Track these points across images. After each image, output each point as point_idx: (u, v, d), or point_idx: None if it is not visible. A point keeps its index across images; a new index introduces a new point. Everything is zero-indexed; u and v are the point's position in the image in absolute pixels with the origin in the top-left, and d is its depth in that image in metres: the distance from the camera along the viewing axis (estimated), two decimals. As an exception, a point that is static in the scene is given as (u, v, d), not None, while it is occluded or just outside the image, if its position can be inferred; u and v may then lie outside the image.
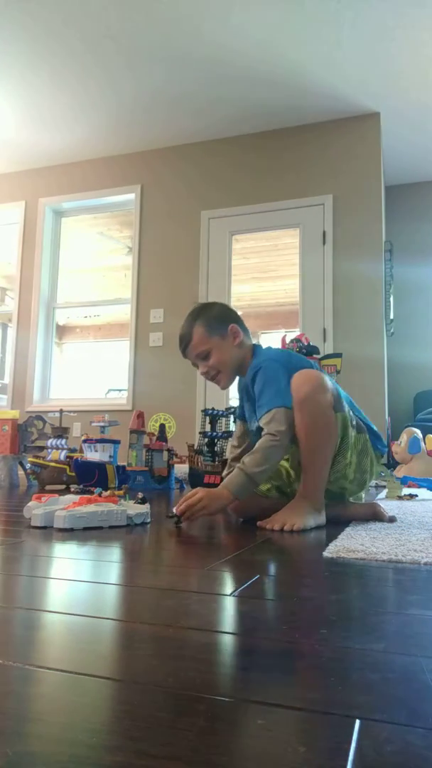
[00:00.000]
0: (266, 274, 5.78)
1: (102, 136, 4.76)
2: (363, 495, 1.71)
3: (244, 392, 1.68)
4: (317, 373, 1.50)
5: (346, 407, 1.52)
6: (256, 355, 1.64)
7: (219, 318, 1.63)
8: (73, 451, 3.06)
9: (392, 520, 1.53)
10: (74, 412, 4.38)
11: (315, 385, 1.44)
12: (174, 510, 1.39)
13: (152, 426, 3.23)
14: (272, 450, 1.43)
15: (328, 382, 1.49)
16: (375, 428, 1.61)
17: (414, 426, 3.93)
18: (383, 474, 2.58)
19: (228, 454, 2.04)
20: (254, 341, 1.73)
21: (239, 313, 1.73)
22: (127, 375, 4.74)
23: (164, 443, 3.08)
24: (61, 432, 3.10)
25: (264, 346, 1.69)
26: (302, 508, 1.41)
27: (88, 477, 2.64)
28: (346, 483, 1.56)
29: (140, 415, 3.12)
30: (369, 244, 4.28)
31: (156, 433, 3.17)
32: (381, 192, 4.39)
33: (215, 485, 1.75)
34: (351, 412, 1.54)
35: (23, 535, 1.22)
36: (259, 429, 1.52)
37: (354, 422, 1.54)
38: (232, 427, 2.80)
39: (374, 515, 1.54)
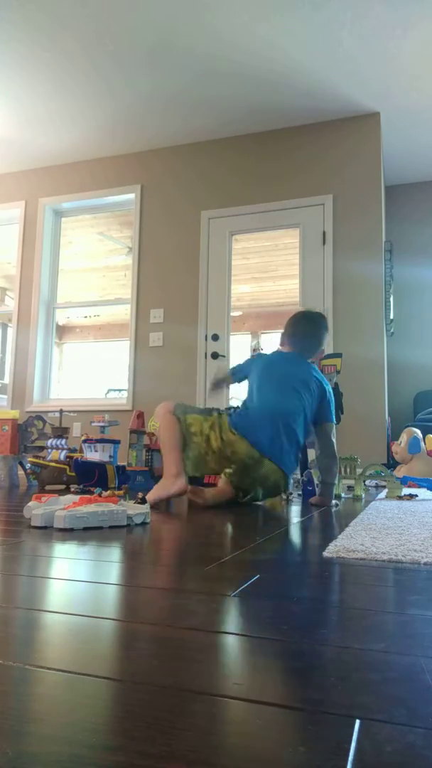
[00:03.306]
0: (266, 274, 5.78)
1: (102, 136, 4.77)
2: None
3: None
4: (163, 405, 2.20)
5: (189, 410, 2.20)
6: None
7: None
8: (73, 451, 3.06)
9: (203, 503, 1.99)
10: (74, 412, 4.38)
11: (160, 410, 2.17)
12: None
13: (152, 426, 3.23)
14: None
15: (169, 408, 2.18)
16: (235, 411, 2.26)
17: (414, 426, 3.93)
18: (383, 474, 2.57)
19: None
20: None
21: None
22: (127, 375, 4.74)
23: (164, 443, 3.08)
24: (61, 432, 3.10)
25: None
26: (161, 482, 1.98)
27: (88, 477, 2.64)
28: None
29: (140, 415, 3.12)
30: (369, 244, 4.28)
31: (156, 433, 3.16)
32: (381, 192, 4.39)
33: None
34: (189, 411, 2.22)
35: (23, 535, 1.22)
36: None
37: (198, 412, 2.18)
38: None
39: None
